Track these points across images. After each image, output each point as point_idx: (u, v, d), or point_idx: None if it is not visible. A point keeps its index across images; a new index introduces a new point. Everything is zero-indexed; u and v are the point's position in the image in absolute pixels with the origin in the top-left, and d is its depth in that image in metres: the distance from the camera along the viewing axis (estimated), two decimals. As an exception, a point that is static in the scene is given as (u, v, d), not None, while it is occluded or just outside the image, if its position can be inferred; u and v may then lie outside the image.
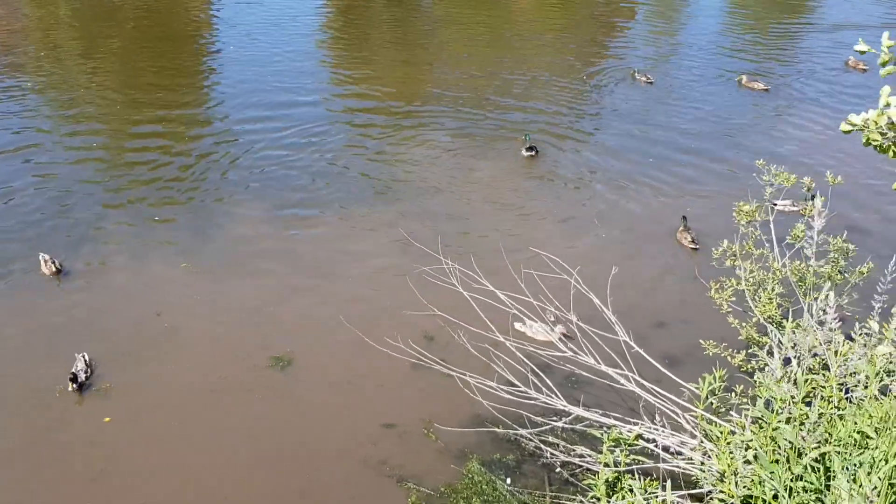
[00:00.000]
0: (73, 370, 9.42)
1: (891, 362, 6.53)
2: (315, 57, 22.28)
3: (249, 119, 17.16)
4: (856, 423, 5.82)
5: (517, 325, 9.80)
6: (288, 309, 11.10)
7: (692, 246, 12.72)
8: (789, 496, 5.76)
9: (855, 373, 6.43)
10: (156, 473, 8.44)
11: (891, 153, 5.59)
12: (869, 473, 5.34)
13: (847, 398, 6.54)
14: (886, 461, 5.29)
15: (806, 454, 5.82)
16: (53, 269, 11.38)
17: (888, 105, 5.25)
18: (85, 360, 9.68)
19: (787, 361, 7.20)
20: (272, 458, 8.69)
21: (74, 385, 9.26)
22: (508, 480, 8.33)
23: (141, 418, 9.14)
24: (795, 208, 13.26)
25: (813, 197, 13.25)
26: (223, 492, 8.27)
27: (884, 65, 4.98)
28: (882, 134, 5.53)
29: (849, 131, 5.49)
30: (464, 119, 17.79)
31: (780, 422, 6.22)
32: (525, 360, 8.68)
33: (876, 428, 5.61)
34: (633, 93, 19.89)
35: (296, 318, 10.92)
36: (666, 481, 6.95)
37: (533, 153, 15.70)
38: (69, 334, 10.35)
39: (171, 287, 11.50)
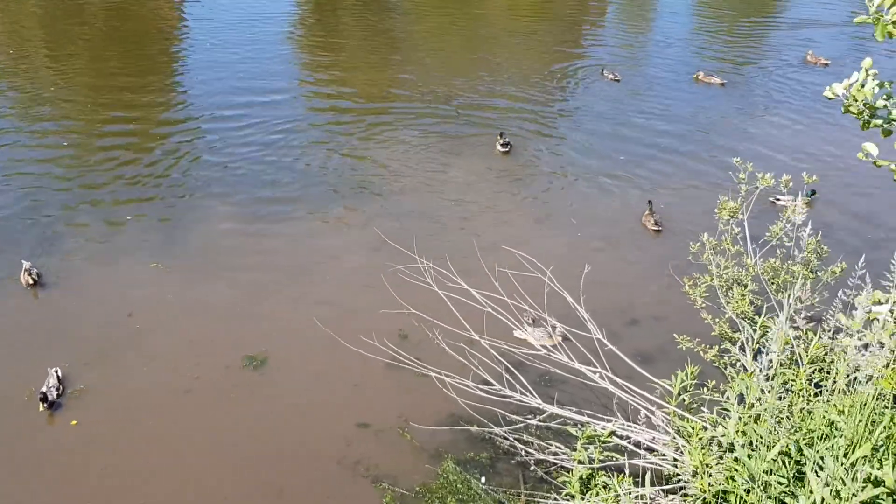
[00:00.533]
0: (44, 388, 8.95)
1: (862, 353, 6.62)
2: (285, 56, 22.12)
3: (219, 118, 16.98)
4: (824, 416, 5.88)
5: (516, 333, 9.73)
6: (261, 309, 10.97)
7: (655, 228, 13.17)
8: (763, 489, 5.80)
9: (824, 368, 6.51)
10: (128, 476, 8.29)
11: (864, 126, 5.74)
12: (840, 463, 5.40)
13: (817, 392, 6.62)
14: (853, 451, 5.34)
15: (778, 448, 5.87)
16: (30, 280, 10.93)
17: (867, 77, 5.36)
18: (57, 376, 9.19)
19: (758, 356, 7.27)
20: (246, 459, 8.57)
21: (45, 405, 8.83)
22: (483, 479, 8.30)
23: (114, 421, 8.98)
24: (796, 203, 13.61)
25: (813, 193, 13.76)
26: (196, 494, 8.14)
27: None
28: (859, 112, 5.65)
29: (831, 98, 5.72)
30: (436, 117, 17.76)
31: (751, 417, 6.27)
32: (499, 357, 8.67)
33: (841, 420, 5.67)
34: (602, 90, 20.04)
35: (269, 318, 10.80)
36: (639, 477, 6.99)
37: (507, 149, 15.83)
38: (39, 336, 10.17)
39: (142, 288, 11.31)
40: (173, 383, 9.55)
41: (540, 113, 18.38)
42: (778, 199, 12.62)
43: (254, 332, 10.44)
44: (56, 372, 9.25)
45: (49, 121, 16.59)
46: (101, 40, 22.04)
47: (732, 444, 6.45)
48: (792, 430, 5.92)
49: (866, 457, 5.31)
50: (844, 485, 5.12)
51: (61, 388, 9.14)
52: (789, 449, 5.73)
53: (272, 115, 17.26)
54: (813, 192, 13.20)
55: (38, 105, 17.36)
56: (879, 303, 6.16)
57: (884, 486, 5.00)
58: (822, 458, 5.37)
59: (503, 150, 15.82)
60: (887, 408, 5.73)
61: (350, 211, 13.60)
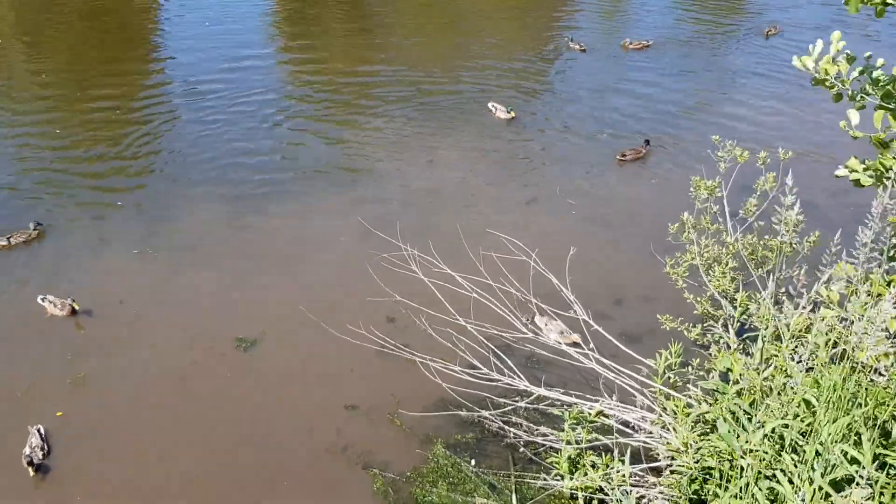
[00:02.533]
0: (27, 451, 8.25)
1: (839, 330, 6.71)
2: (267, 42, 21.87)
3: (204, 108, 16.77)
4: (805, 391, 5.98)
5: (537, 319, 9.80)
6: (249, 296, 11.00)
7: (620, 157, 14.88)
8: (745, 466, 5.89)
9: (805, 343, 6.59)
10: (119, 463, 8.36)
11: (835, 98, 5.81)
12: (819, 442, 5.50)
13: (798, 366, 6.70)
14: (832, 429, 5.44)
15: (761, 424, 5.96)
16: (70, 307, 10.33)
17: (838, 52, 5.43)
18: (40, 434, 8.49)
19: (740, 333, 7.36)
20: (237, 447, 8.62)
21: (33, 469, 8.12)
22: (473, 462, 8.39)
23: (108, 408, 9.09)
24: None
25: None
26: (187, 480, 8.19)
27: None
28: (831, 85, 5.71)
29: (803, 68, 5.81)
30: (418, 101, 17.65)
31: (734, 394, 6.36)
32: (486, 342, 8.73)
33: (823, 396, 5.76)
34: (579, 65, 20.05)
35: (257, 305, 10.82)
36: (626, 455, 7.09)
37: (511, 115, 16.44)
38: (32, 327, 10.26)
39: (131, 275, 11.35)
40: (165, 371, 9.63)
41: (524, 93, 18.28)
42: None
43: (243, 319, 10.48)
44: (38, 430, 8.55)
45: (26, 114, 16.39)
46: (79, 28, 21.70)
47: (715, 422, 6.55)
48: (775, 408, 6.01)
49: (844, 435, 5.40)
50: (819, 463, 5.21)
51: (46, 447, 8.42)
52: (772, 428, 5.82)
53: (257, 101, 17.12)
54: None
55: (12, 92, 17.22)
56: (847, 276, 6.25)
57: (860, 465, 5.10)
58: (801, 435, 5.47)
59: (507, 115, 16.37)
60: (865, 385, 5.80)
61: (334, 196, 13.57)
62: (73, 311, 10.33)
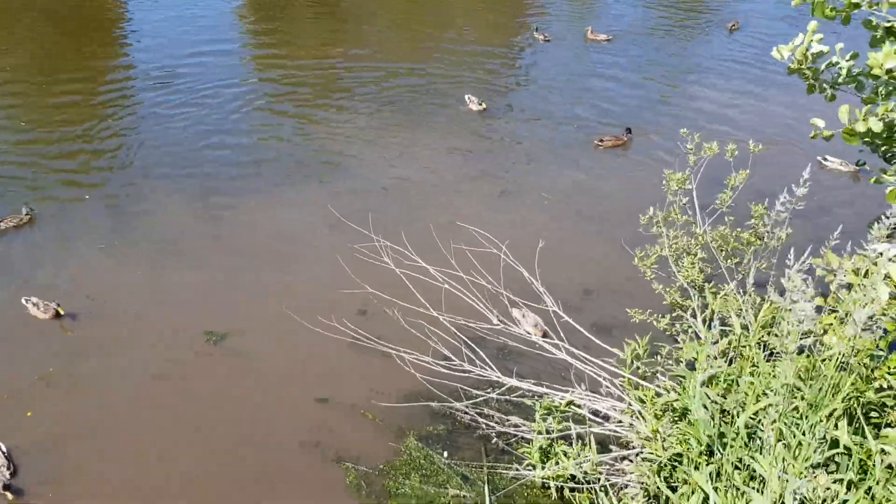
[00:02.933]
0: None
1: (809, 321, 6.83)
2: (236, 30, 21.63)
3: (171, 103, 16.51)
4: (775, 378, 6.07)
5: (513, 311, 9.81)
6: (218, 289, 10.89)
7: (597, 141, 15.18)
8: (723, 449, 5.97)
9: (774, 333, 6.70)
10: (92, 463, 8.23)
11: (809, 90, 5.92)
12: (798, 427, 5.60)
13: (767, 356, 6.81)
14: (813, 414, 5.54)
15: (728, 412, 6.05)
16: (54, 311, 10.05)
17: (812, 42, 5.53)
18: (3, 453, 8.11)
19: (709, 323, 7.45)
20: (207, 442, 8.53)
21: (4, 489, 7.77)
22: (445, 454, 8.40)
23: (81, 408, 8.95)
24: (844, 168, 14.22)
25: (861, 163, 14.43)
26: (158, 477, 8.09)
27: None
28: (804, 74, 5.81)
29: (780, 59, 5.92)
30: (389, 91, 17.59)
31: (702, 382, 6.44)
32: (458, 333, 8.74)
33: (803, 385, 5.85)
34: (546, 56, 20.13)
35: (226, 298, 10.71)
36: (598, 445, 7.16)
37: (483, 107, 16.44)
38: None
39: (100, 272, 11.17)
40: (139, 369, 9.50)
41: (495, 85, 18.29)
42: (826, 160, 14.44)
43: (212, 312, 10.38)
44: (2, 449, 8.18)
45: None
46: (42, 19, 21.22)
47: (686, 409, 6.64)
48: (741, 396, 6.10)
49: (827, 418, 5.50)
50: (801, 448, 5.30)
51: (12, 466, 8.03)
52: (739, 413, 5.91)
53: (227, 94, 16.92)
54: (863, 163, 14.61)
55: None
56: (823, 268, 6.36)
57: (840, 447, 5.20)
58: (783, 421, 5.55)
59: (479, 107, 16.39)
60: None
61: (305, 188, 13.47)
62: (57, 315, 10.02)
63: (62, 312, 10.03)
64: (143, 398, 9.11)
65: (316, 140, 15.28)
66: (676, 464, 6.46)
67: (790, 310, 6.69)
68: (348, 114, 16.39)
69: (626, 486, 7.22)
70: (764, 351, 6.88)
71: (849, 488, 5.33)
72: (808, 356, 6.16)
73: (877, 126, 6.58)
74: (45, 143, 14.68)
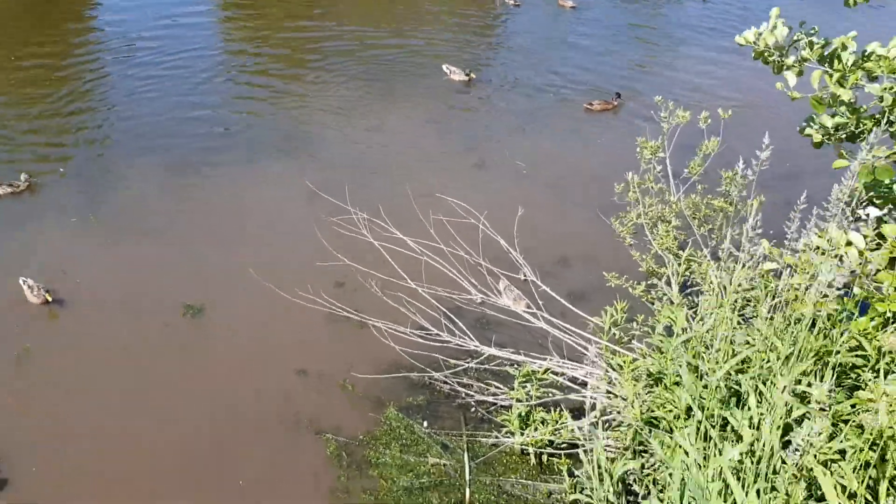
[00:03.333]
0: None
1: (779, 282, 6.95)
2: (206, 4, 21.16)
3: (140, 74, 16.15)
4: (749, 343, 6.19)
5: (501, 285, 9.74)
6: (196, 264, 10.77)
7: (588, 105, 15.39)
8: (701, 410, 6.08)
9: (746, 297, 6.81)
10: (69, 437, 8.19)
11: (775, 70, 5.99)
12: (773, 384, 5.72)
13: (740, 319, 6.93)
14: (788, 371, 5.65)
15: (704, 375, 6.16)
16: (44, 297, 9.80)
17: (776, 27, 5.60)
18: None
19: (683, 290, 7.56)
20: (186, 417, 8.49)
21: None
22: (426, 423, 8.47)
23: (54, 380, 8.89)
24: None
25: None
26: (133, 453, 8.07)
27: None
28: (770, 56, 5.87)
29: (742, 45, 6.00)
30: (365, 60, 17.35)
31: (678, 346, 6.54)
32: (437, 304, 8.77)
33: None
34: (518, 22, 20.00)
35: (204, 271, 10.61)
36: (575, 411, 7.27)
37: (470, 77, 16.34)
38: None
39: (72, 245, 11.04)
40: (112, 342, 9.42)
41: (470, 54, 18.14)
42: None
43: (190, 287, 10.28)
44: None
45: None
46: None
47: (662, 374, 6.75)
48: (717, 359, 6.21)
49: (804, 374, 5.63)
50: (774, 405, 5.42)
51: None
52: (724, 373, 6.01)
53: (198, 65, 16.59)
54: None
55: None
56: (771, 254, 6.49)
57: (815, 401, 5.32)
58: (762, 379, 5.66)
59: (466, 77, 16.30)
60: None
61: (280, 161, 13.31)
62: (46, 302, 9.81)
63: (50, 299, 9.80)
64: (117, 372, 9.02)
65: (290, 110, 15.09)
66: (654, 427, 6.58)
67: (763, 275, 6.82)
68: (323, 84, 16.18)
69: (604, 451, 7.34)
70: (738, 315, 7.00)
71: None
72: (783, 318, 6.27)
73: (846, 94, 6.69)
74: (15, 118, 14.31)
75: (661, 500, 6.09)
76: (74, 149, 13.54)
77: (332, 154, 13.66)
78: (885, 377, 5.41)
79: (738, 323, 6.66)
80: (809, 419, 5.08)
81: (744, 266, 6.41)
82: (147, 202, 12.07)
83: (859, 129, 6.92)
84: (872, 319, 5.77)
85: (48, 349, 9.31)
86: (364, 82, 16.33)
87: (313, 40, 18.26)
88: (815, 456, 5.11)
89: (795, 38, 6.45)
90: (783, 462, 5.27)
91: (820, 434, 4.89)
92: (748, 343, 6.08)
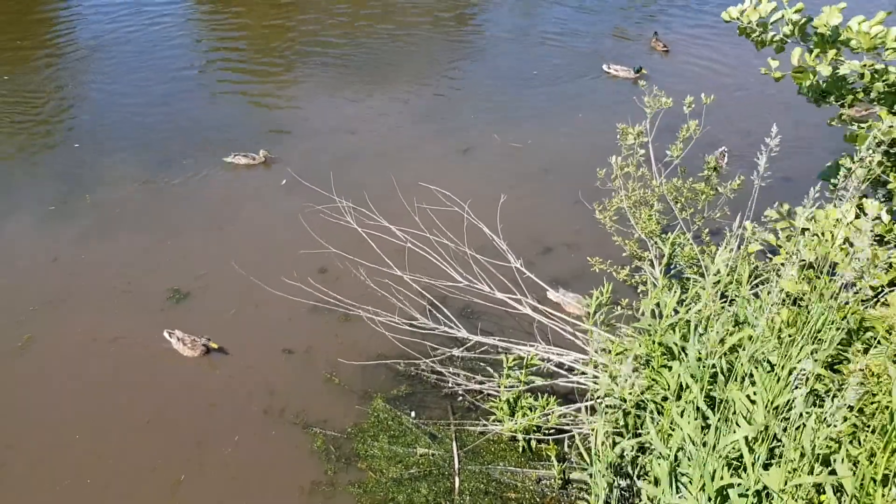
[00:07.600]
0: None
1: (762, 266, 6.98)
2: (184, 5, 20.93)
3: (114, 67, 15.95)
4: (738, 327, 6.20)
5: (550, 295, 9.63)
6: (178, 254, 10.68)
7: (664, 49, 16.86)
8: (684, 392, 6.09)
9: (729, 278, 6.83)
10: (55, 429, 8.10)
11: (758, 46, 6.03)
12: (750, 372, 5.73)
13: (724, 301, 6.95)
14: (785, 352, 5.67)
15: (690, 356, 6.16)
16: (202, 349, 9.04)
17: (759, 2, 5.63)
18: None
19: (667, 272, 7.57)
20: (170, 411, 8.40)
21: None
22: (413, 414, 8.42)
23: (44, 371, 8.82)
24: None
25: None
26: (118, 448, 7.97)
27: None
28: (752, 31, 5.89)
29: (728, 21, 6.09)
30: (345, 50, 17.18)
31: (664, 329, 6.55)
32: (423, 292, 8.72)
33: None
34: (494, 6, 19.98)
35: (185, 264, 10.48)
36: (563, 396, 7.26)
37: (636, 75, 16.09)
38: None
39: (52, 235, 10.95)
40: (98, 335, 9.32)
41: (451, 41, 18.04)
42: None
43: (173, 276, 10.20)
44: None
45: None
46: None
47: (649, 357, 6.75)
48: (703, 342, 6.22)
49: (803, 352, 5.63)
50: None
51: None
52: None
53: (175, 58, 16.40)
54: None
55: None
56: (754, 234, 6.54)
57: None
58: (763, 356, 5.65)
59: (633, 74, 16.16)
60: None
61: (262, 151, 13.19)
62: (208, 351, 9.06)
63: (215, 347, 9.08)
64: (102, 360, 8.94)
65: (269, 100, 14.94)
66: (642, 410, 6.58)
67: (745, 257, 6.85)
68: (303, 72, 16.03)
69: (591, 435, 7.34)
70: (722, 299, 7.02)
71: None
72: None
73: (825, 70, 6.76)
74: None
75: (650, 482, 6.09)
76: (50, 138, 13.42)
77: (315, 143, 13.52)
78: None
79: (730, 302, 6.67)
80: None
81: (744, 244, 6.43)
82: (128, 194, 11.94)
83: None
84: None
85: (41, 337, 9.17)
86: (348, 69, 16.20)
87: (292, 31, 18.07)
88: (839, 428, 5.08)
89: (776, 16, 6.48)
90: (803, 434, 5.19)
91: (850, 406, 4.88)
92: (745, 322, 6.09)
